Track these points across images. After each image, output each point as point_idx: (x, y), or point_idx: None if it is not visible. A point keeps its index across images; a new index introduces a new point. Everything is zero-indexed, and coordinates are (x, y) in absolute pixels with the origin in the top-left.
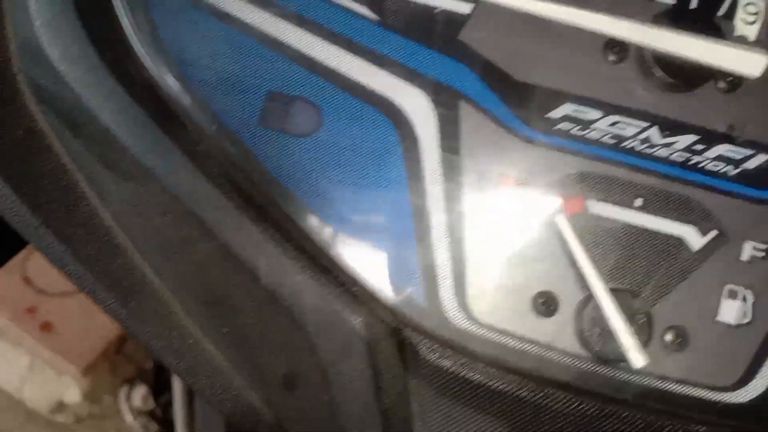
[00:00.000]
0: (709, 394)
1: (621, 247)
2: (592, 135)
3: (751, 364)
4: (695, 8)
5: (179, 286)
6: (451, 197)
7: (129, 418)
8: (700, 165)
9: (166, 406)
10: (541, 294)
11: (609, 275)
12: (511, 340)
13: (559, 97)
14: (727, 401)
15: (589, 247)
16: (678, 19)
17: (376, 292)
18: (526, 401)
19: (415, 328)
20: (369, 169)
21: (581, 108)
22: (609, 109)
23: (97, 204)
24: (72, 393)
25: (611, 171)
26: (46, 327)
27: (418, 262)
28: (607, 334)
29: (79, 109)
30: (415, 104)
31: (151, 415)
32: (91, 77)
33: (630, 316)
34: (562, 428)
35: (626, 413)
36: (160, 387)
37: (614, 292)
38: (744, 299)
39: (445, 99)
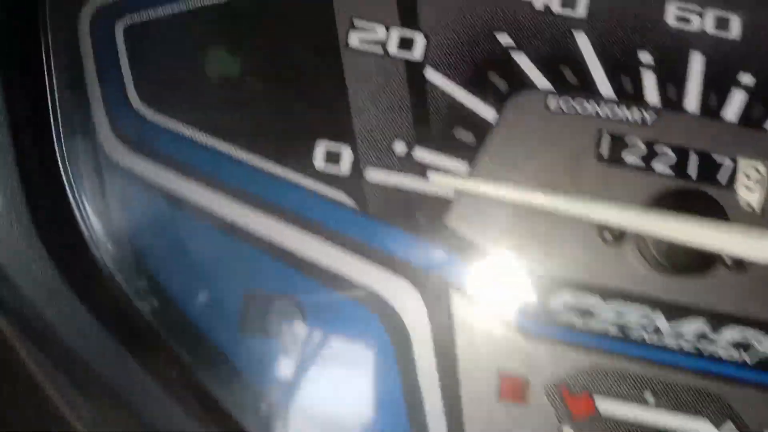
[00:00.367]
0: None
1: None
2: (596, 326)
3: None
4: (694, 177)
5: None
6: (449, 401)
7: None
8: (712, 352)
9: None
10: None
11: None
12: None
13: (556, 285)
14: None
15: None
16: (677, 196)
17: None
18: None
19: None
20: (356, 373)
21: (580, 295)
22: (610, 294)
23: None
24: None
25: (618, 365)
26: None
27: None
28: None
29: (44, 330)
30: (403, 296)
31: None
32: (55, 298)
33: None
34: None
35: None
36: None
37: None
38: None
39: (435, 290)
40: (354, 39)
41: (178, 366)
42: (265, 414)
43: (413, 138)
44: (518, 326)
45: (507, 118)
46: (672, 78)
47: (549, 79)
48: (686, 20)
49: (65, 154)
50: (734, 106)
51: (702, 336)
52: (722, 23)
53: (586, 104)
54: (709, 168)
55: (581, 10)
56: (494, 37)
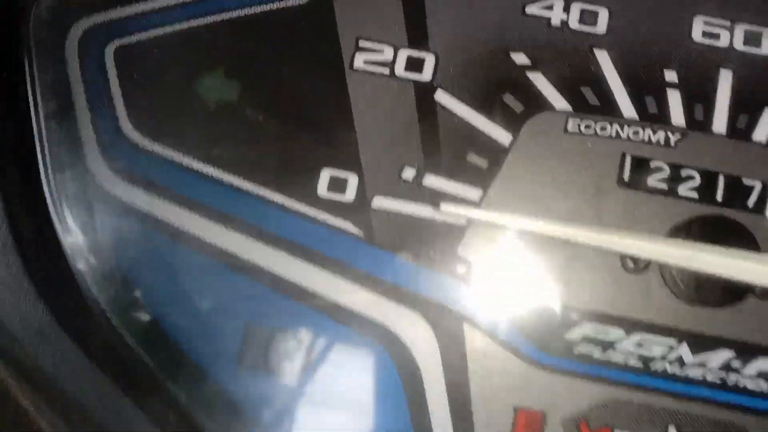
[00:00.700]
0: None
1: None
2: (616, 357)
3: None
4: (720, 201)
5: None
6: None
7: None
8: (739, 384)
9: None
10: None
11: None
12: None
13: (575, 316)
14: None
15: None
16: (705, 224)
17: None
18: None
19: None
20: (365, 411)
21: (601, 327)
22: (632, 326)
23: None
24: None
25: (640, 398)
26: None
27: None
28: None
29: (35, 368)
30: (414, 330)
31: None
32: (47, 338)
33: None
34: None
35: None
36: None
37: None
38: None
39: (447, 323)
40: (359, 61)
41: (175, 407)
42: None
43: (423, 164)
44: (535, 359)
45: (523, 142)
46: (699, 97)
47: (568, 100)
48: (714, 36)
49: (53, 187)
50: (765, 126)
51: (728, 367)
52: (753, 38)
53: (607, 126)
54: (737, 192)
55: (601, 26)
56: (509, 56)
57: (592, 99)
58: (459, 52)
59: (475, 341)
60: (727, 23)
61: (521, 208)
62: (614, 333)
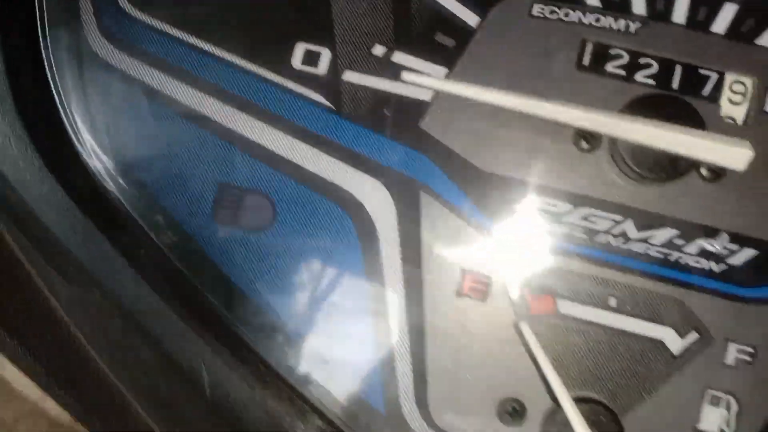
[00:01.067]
0: None
1: (594, 351)
2: (563, 229)
3: None
4: (676, 89)
5: (131, 386)
6: (412, 296)
7: None
8: (681, 261)
9: None
10: (507, 401)
11: (580, 382)
12: None
13: (525, 189)
14: None
15: (560, 350)
16: (657, 104)
17: (332, 397)
18: None
19: None
20: (325, 266)
21: (550, 200)
22: (580, 201)
23: (52, 301)
24: None
25: (583, 268)
26: None
27: (377, 367)
28: None
29: (21, 208)
30: (374, 196)
31: None
32: (31, 177)
33: (599, 427)
34: None
35: None
36: None
37: (584, 402)
38: (728, 407)
39: (405, 190)
40: None
41: (147, 246)
42: (228, 294)
43: (393, 41)
44: (484, 226)
45: (490, 24)
46: None
47: None
48: None
49: (51, 50)
50: (724, 18)
51: (671, 244)
52: None
53: (570, 12)
54: (693, 80)
55: None
56: None
57: None
58: None
59: (429, 208)
60: None
61: (484, 86)
62: (562, 206)
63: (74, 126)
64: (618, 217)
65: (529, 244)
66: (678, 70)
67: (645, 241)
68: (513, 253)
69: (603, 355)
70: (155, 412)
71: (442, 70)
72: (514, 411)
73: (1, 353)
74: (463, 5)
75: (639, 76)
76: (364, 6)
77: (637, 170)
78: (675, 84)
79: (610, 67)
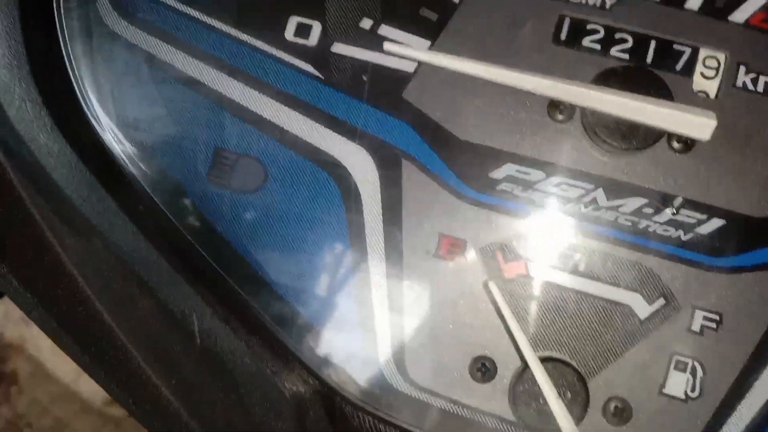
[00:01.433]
0: None
1: (563, 313)
2: (535, 196)
3: None
4: (650, 63)
5: (133, 336)
6: (391, 257)
7: None
8: (650, 229)
9: None
10: (479, 359)
11: (549, 342)
12: (445, 404)
13: (501, 157)
14: None
15: (530, 312)
16: (627, 76)
17: (312, 354)
18: None
19: (351, 391)
20: (311, 227)
21: (524, 168)
22: (552, 170)
23: (60, 252)
24: None
25: (554, 233)
26: None
27: (357, 325)
28: (541, 405)
29: (34, 166)
30: (358, 162)
31: None
32: (43, 138)
33: (566, 388)
34: None
35: None
36: None
37: (552, 361)
38: (693, 372)
39: (388, 157)
40: None
41: (146, 202)
42: (220, 250)
43: (380, 15)
44: (462, 193)
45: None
46: None
47: None
48: None
49: (63, 19)
50: None
51: (640, 213)
52: None
53: None
54: (667, 55)
55: None
56: None
57: None
58: None
59: (410, 174)
60: None
61: (464, 58)
62: (535, 174)
63: (83, 90)
64: (589, 186)
65: (503, 210)
66: (652, 45)
67: (615, 209)
68: (487, 218)
69: (572, 318)
70: (152, 360)
71: (425, 43)
72: (485, 368)
73: (16, 305)
74: None
75: (614, 51)
76: None
77: (608, 140)
78: (649, 58)
79: (586, 41)
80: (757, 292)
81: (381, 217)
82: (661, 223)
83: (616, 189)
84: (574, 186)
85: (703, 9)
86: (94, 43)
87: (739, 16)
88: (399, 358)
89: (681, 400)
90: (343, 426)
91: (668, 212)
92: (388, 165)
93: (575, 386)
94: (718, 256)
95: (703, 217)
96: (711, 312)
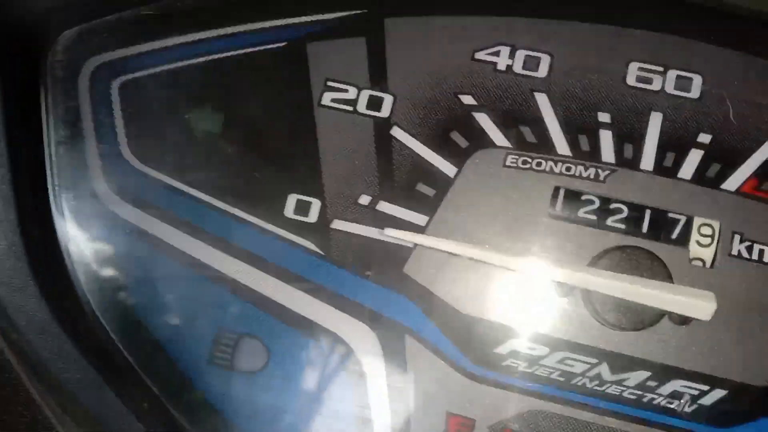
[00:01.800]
0: None
1: None
2: (541, 372)
3: None
4: (646, 233)
5: None
6: None
7: None
8: (654, 402)
9: None
10: None
11: None
12: None
13: (505, 332)
14: None
15: None
16: (626, 255)
17: None
18: None
19: None
20: (316, 407)
21: (529, 344)
22: (557, 344)
23: None
24: None
25: (561, 410)
26: None
27: None
28: None
29: (36, 358)
30: (361, 338)
31: None
32: (43, 334)
33: None
34: None
35: None
36: None
37: None
38: None
39: (391, 333)
40: (327, 99)
41: (150, 397)
42: None
43: (378, 192)
44: (468, 371)
45: (466, 174)
46: (629, 137)
47: (508, 138)
48: (647, 80)
49: (60, 203)
50: (690, 164)
51: (644, 386)
52: (683, 83)
53: (542, 162)
54: (662, 224)
55: (543, 71)
56: (458, 97)
57: (530, 137)
58: (414, 93)
59: (415, 351)
60: (660, 68)
61: (462, 234)
62: (540, 350)
63: (78, 275)
64: (593, 360)
65: (512, 387)
66: (647, 215)
67: (619, 383)
68: (495, 396)
69: None
70: None
71: (423, 218)
72: None
73: None
74: (442, 157)
75: (610, 221)
76: (351, 159)
77: (610, 319)
78: (645, 228)
79: (581, 212)
80: None
81: (387, 395)
82: (665, 396)
83: (620, 363)
84: (578, 361)
85: (695, 178)
86: (93, 225)
87: (731, 184)
88: None
89: None
90: None
91: (671, 385)
92: (392, 342)
93: None
94: (721, 427)
95: (706, 388)
96: None
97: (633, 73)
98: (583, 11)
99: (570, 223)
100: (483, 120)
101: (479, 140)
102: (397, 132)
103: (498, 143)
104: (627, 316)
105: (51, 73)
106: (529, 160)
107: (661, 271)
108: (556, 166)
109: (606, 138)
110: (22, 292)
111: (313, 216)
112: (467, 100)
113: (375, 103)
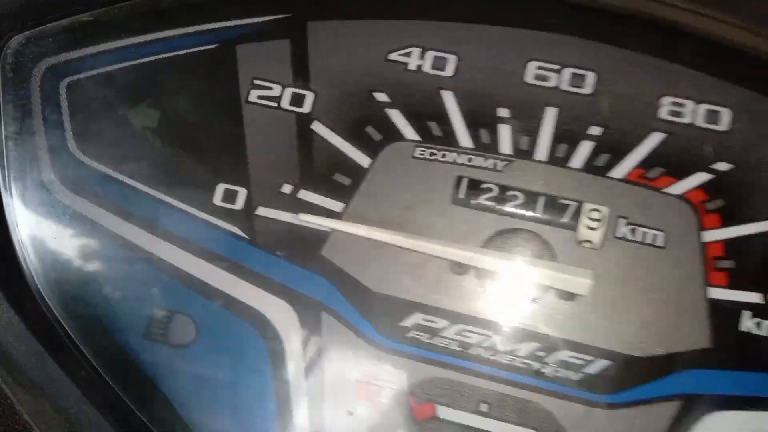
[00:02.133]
0: None
1: None
2: (441, 342)
3: None
4: (540, 217)
5: None
6: (314, 405)
7: None
8: (543, 371)
9: None
10: None
11: None
12: None
13: (410, 308)
14: None
15: None
16: (516, 237)
17: None
18: None
19: None
20: (239, 377)
21: (430, 317)
22: (455, 318)
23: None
24: None
25: (458, 377)
26: None
27: None
28: None
29: None
30: (281, 315)
31: None
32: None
33: None
34: None
35: None
36: None
37: None
38: None
39: (309, 310)
40: (253, 96)
41: (88, 368)
42: (159, 406)
43: (299, 181)
44: (375, 341)
45: (379, 165)
46: (526, 130)
47: (417, 132)
48: (544, 78)
49: (12, 193)
50: (581, 155)
51: (534, 356)
52: (577, 80)
53: (447, 153)
54: (554, 209)
55: (449, 70)
56: (372, 95)
57: (437, 131)
58: (333, 91)
59: (330, 326)
60: (557, 67)
61: (375, 219)
62: (440, 322)
63: (26, 256)
64: (487, 332)
65: (415, 357)
66: (540, 201)
67: (512, 353)
68: (400, 365)
69: None
70: None
71: (340, 205)
72: None
73: None
74: (357, 149)
75: (507, 207)
76: (275, 151)
77: (499, 293)
78: (538, 212)
79: (481, 199)
80: (637, 425)
81: (304, 368)
82: (553, 365)
83: (511, 335)
84: (474, 332)
85: (585, 167)
86: (39, 209)
87: (618, 172)
88: None
89: None
90: None
91: (558, 355)
92: (310, 318)
93: None
94: (606, 393)
95: (590, 358)
96: None
97: (531, 71)
98: (488, 15)
99: (471, 209)
100: (395, 115)
101: (391, 134)
102: (317, 126)
103: (408, 137)
104: (512, 292)
105: (2, 75)
106: (436, 152)
107: (546, 251)
108: (459, 157)
109: (504, 131)
110: None
111: (239, 203)
112: (381, 97)
113: (297, 100)
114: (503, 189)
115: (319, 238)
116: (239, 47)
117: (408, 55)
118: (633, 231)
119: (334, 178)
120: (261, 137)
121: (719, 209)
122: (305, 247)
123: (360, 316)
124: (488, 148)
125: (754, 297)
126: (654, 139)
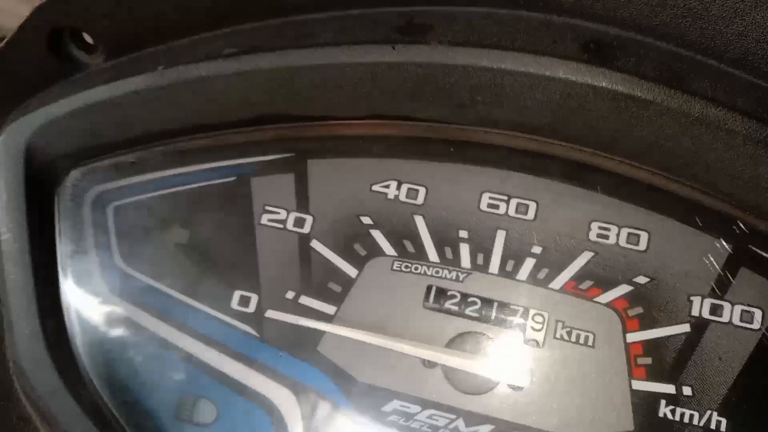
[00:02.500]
0: None
1: None
2: (414, 425)
3: None
4: (494, 319)
5: None
6: None
7: None
8: None
9: None
10: None
11: None
12: None
13: (388, 395)
14: None
15: None
16: (472, 338)
17: None
18: None
19: None
20: None
21: (405, 404)
22: (426, 404)
23: None
24: None
25: None
26: None
27: None
28: None
29: (55, 420)
30: (284, 400)
31: None
32: (56, 398)
33: None
34: None
35: None
36: None
37: None
38: None
39: (307, 396)
40: (264, 219)
41: None
42: None
43: (300, 288)
44: (362, 424)
45: (364, 276)
46: (481, 248)
47: (394, 248)
48: (495, 206)
49: (68, 298)
50: (526, 269)
51: None
52: (522, 208)
53: (419, 266)
54: (505, 313)
55: (420, 199)
56: (359, 218)
57: (410, 248)
58: (328, 215)
59: (323, 409)
60: (505, 197)
61: (360, 321)
62: (414, 408)
63: (79, 351)
64: (452, 416)
65: None
66: (494, 306)
67: None
68: None
69: None
70: None
71: (332, 308)
72: None
73: None
74: (347, 262)
75: (468, 311)
76: (281, 263)
77: (461, 385)
78: (492, 316)
79: (447, 304)
80: None
81: None
82: None
83: (471, 418)
84: (441, 416)
85: (530, 279)
86: (94, 315)
87: (556, 284)
88: None
89: None
90: None
91: None
92: (307, 401)
93: None
94: None
95: None
96: None
97: (485, 201)
98: (450, 154)
99: (438, 312)
100: (377, 235)
101: (374, 250)
102: (315, 244)
103: (387, 252)
104: (472, 383)
105: (61, 203)
106: (409, 265)
107: (496, 350)
108: (428, 269)
109: (465, 249)
110: (41, 366)
111: (252, 307)
112: (366, 220)
113: (299, 222)
114: (464, 296)
115: (316, 336)
116: (253, 179)
117: (387, 186)
118: (569, 333)
119: (329, 286)
120: (270, 252)
121: (639, 315)
122: (305, 343)
123: (349, 402)
124: (451, 262)
125: (669, 388)
126: (585, 257)
